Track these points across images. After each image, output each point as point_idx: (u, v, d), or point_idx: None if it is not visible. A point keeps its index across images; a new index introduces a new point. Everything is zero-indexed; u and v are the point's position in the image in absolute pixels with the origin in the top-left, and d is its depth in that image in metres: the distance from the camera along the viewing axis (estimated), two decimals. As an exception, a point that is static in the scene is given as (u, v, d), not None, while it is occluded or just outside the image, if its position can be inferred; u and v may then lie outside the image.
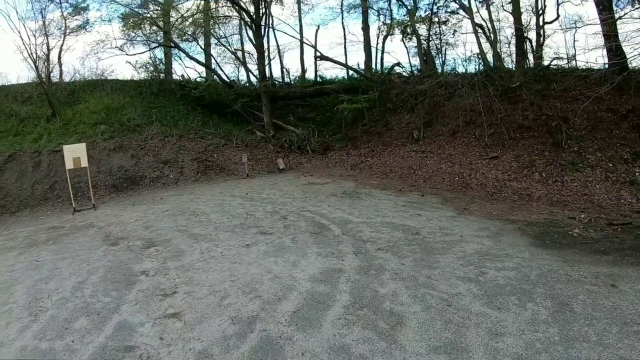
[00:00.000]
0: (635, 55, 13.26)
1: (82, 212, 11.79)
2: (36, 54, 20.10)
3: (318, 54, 25.31)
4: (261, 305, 5.37)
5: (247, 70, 25.88)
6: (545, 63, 17.87)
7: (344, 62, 27.16)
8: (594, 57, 37.39)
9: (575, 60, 17.73)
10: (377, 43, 28.24)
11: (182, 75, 25.84)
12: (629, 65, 13.73)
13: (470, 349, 4.16)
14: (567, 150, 12.43)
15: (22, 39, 27.97)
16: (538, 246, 7.14)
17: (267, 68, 25.46)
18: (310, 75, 30.19)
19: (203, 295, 5.78)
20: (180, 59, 26.86)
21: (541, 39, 19.18)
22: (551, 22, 18.39)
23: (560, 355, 3.94)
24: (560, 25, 19.18)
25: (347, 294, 5.58)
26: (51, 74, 22.66)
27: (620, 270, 5.88)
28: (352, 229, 8.63)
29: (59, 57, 24.43)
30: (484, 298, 5.23)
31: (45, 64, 21.43)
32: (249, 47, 27.63)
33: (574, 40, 22.06)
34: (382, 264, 6.56)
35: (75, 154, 12.00)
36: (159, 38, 24.61)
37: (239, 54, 27.47)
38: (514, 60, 20.09)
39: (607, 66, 14.26)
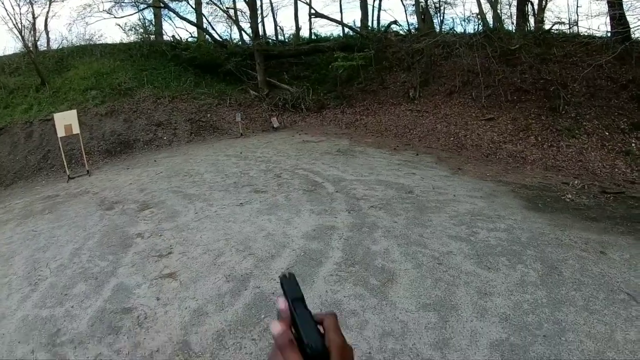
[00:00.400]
0: (638, 26, 13.10)
1: (77, 179, 11.75)
2: (21, 23, 19.96)
3: (313, 11, 24.77)
4: (255, 262, 5.44)
5: (240, 28, 25.40)
6: (547, 27, 17.53)
7: (340, 19, 26.66)
8: (597, 24, 36.78)
9: (577, 26, 17.48)
10: (374, 0, 27.80)
11: (173, 36, 25.32)
12: (632, 36, 13.51)
13: (459, 307, 4.25)
14: (564, 116, 12.35)
15: (6, 9, 27.29)
16: (530, 209, 7.20)
17: (260, 26, 25.01)
18: (304, 33, 29.77)
19: (198, 254, 5.85)
20: (171, 19, 26.50)
21: (543, 2, 18.93)
22: (555, -15, 18.04)
23: (547, 318, 4.03)
24: (564, -11, 18.84)
25: (339, 250, 5.66)
26: (38, 43, 22.40)
27: (610, 238, 5.93)
28: (346, 186, 8.67)
29: (45, 25, 24.11)
30: (475, 258, 5.30)
31: (32, 32, 21.23)
32: (241, 4, 27.00)
33: (577, 6, 21.71)
34: (375, 222, 6.63)
35: (66, 121, 11.87)
36: (148, -1, 24.00)
37: (231, 12, 26.86)
38: (514, 22, 19.83)
39: (609, 34, 14.10)
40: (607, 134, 11.35)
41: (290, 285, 0.79)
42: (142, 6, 23.77)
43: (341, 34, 26.32)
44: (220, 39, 24.95)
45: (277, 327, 0.71)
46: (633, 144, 10.79)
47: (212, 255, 5.78)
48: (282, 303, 0.76)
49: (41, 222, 8.15)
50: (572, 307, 4.18)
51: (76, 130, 12.00)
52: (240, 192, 8.66)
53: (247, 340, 3.94)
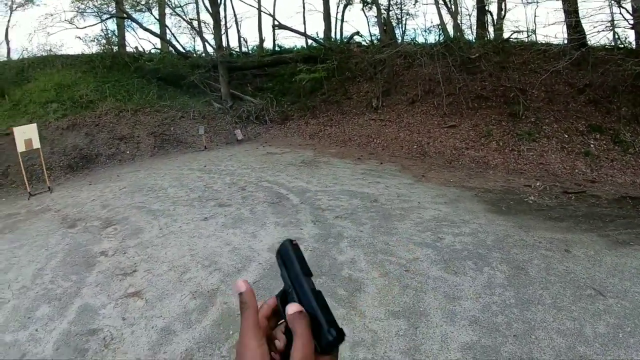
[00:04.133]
0: (594, 33, 13.56)
1: (38, 196, 11.39)
2: None
3: (276, 22, 24.82)
4: (221, 278, 5.38)
5: (204, 40, 25.11)
6: (505, 36, 18.13)
7: (303, 31, 26.78)
8: (554, 32, 38.05)
9: (535, 35, 18.14)
10: (337, 12, 28.28)
11: (136, 47, 25.04)
12: (588, 42, 14.03)
13: (429, 313, 4.28)
14: (524, 121, 12.67)
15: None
16: (494, 212, 7.34)
17: (224, 38, 24.90)
18: (268, 44, 29.73)
19: (163, 271, 5.75)
20: (134, 30, 26.07)
21: (502, 12, 19.40)
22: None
23: (517, 318, 4.10)
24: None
25: (306, 262, 5.63)
26: None
27: (573, 236, 6.09)
28: (311, 197, 8.67)
29: (6, 35, 23.51)
30: (441, 263, 5.36)
31: None
32: (205, 16, 26.84)
33: (535, 15, 22.38)
34: (341, 232, 6.64)
35: (26, 135, 11.45)
36: (110, 9, 23.40)
37: (195, 23, 26.68)
38: (474, 32, 20.34)
39: (566, 42, 14.54)
40: (566, 136, 11.69)
41: (294, 253, 0.70)
42: (104, 17, 23.25)
43: (305, 45, 26.44)
44: (184, 51, 24.74)
45: (293, 307, 0.63)
46: (592, 145, 11.14)
47: (178, 271, 5.69)
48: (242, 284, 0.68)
49: (1, 242, 7.85)
50: (541, 306, 4.27)
51: (37, 144, 11.62)
52: (205, 207, 8.56)
53: (216, 358, 3.88)
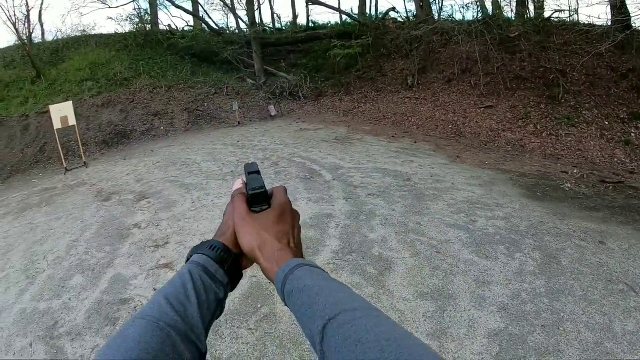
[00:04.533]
0: (639, 15, 12.99)
1: (74, 171, 11.67)
2: (15, 15, 19.60)
3: (310, -2, 24.66)
4: (252, 253, 5.40)
5: (237, 16, 25.10)
6: (546, 15, 17.39)
7: (337, 6, 26.50)
8: (597, 12, 36.44)
9: (578, 14, 17.31)
10: (372, -13, 27.54)
11: (169, 25, 25.17)
12: (633, 25, 13.43)
13: (457, 297, 4.22)
14: (564, 105, 12.28)
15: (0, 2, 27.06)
16: (529, 197, 7.17)
17: (257, 14, 24.83)
18: (302, 20, 29.62)
19: (195, 244, 5.74)
20: (166, 8, 26.11)
21: (543, -11, 18.73)
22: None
23: (546, 307, 4.00)
24: (564, -24, 18.67)
25: (336, 239, 5.63)
26: (32, 35, 22.19)
27: (609, 228, 5.88)
28: (343, 174, 8.63)
29: (40, 17, 23.95)
30: (473, 246, 5.27)
31: (26, 25, 20.83)
32: (237, -8, 26.86)
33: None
34: (373, 210, 6.59)
35: (62, 113, 11.73)
36: (143, -12, 23.72)
37: (228, 0, 26.72)
38: (514, 9, 19.70)
39: (609, 23, 13.97)
40: (606, 123, 11.31)
41: (250, 167, 0.97)
42: (137, -4, 23.55)
43: (339, 22, 26.17)
44: (217, 28, 24.80)
45: (235, 185, 0.98)
46: (632, 134, 10.76)
47: (209, 245, 5.74)
48: (238, 183, 0.99)
49: (38, 215, 8.09)
50: (571, 297, 4.15)
51: (72, 121, 11.88)
52: (238, 180, 8.59)
53: (243, 330, 3.91)
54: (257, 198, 0.89)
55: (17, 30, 19.00)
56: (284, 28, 28.56)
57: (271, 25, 28.52)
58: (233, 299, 4.35)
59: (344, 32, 21.55)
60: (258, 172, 0.96)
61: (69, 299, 4.72)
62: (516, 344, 3.54)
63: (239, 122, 16.34)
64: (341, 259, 5.07)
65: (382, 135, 12.93)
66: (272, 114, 17.48)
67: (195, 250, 0.84)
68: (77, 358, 3.77)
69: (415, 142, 11.82)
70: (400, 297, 4.25)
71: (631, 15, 13.20)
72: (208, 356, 3.43)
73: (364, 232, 5.83)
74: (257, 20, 24.42)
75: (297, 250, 0.86)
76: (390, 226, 5.98)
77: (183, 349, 0.64)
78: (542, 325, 3.75)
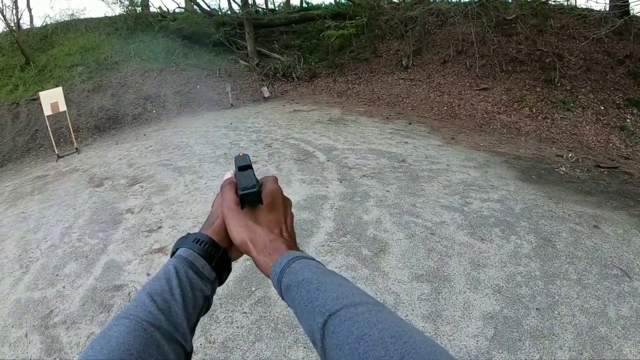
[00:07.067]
0: (637, 1, 12.93)
1: (66, 158, 11.55)
2: (2, 2, 19.30)
3: (303, -23, 24.41)
4: (246, 236, 5.37)
5: (228, -3, 24.93)
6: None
7: (332, -14, 26.23)
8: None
9: (575, -2, 17.31)
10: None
11: (160, 7, 24.91)
12: (631, 11, 13.40)
13: (452, 279, 4.22)
14: (560, 89, 12.26)
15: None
16: (524, 180, 7.15)
17: (249, -6, 24.49)
18: (295, 1, 29.33)
19: (188, 227, 5.78)
20: (157, -11, 25.64)
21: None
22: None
23: (541, 290, 4.01)
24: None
25: (331, 220, 5.62)
26: (21, 21, 21.71)
27: (603, 212, 5.87)
28: (338, 155, 8.59)
29: (28, 3, 23.47)
30: (468, 228, 5.27)
31: (14, 11, 20.51)
32: (230, -29, 26.48)
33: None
34: (367, 191, 6.58)
35: (52, 99, 11.57)
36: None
37: (220, -20, 26.39)
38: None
39: (608, 8, 13.93)
40: (602, 108, 11.31)
41: (240, 160, 0.91)
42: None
43: (333, 2, 25.93)
44: (209, 9, 24.47)
45: (224, 176, 0.92)
46: (628, 120, 10.77)
47: (203, 228, 5.71)
48: (228, 174, 0.92)
49: (31, 203, 8.01)
50: (566, 281, 4.16)
51: (63, 107, 11.72)
52: (231, 163, 8.50)
53: (238, 314, 3.90)
54: (248, 199, 0.82)
55: (4, 17, 18.69)
56: (277, 9, 28.34)
57: (264, 6, 28.30)
58: (227, 283, 4.32)
59: (338, 12, 21.34)
60: (250, 167, 0.89)
61: (63, 287, 4.69)
62: (511, 327, 3.54)
63: (231, 104, 16.21)
64: (335, 241, 5.05)
65: (376, 116, 12.87)
66: (265, 95, 17.33)
67: (181, 243, 0.80)
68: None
69: (410, 124, 11.76)
70: (395, 279, 4.24)
71: (629, 1, 13.17)
72: (202, 340, 3.42)
73: (358, 213, 5.80)
74: (250, 0, 24.14)
75: (291, 240, 0.83)
76: (384, 207, 5.96)
77: (167, 349, 0.62)
78: (536, 309, 3.76)
